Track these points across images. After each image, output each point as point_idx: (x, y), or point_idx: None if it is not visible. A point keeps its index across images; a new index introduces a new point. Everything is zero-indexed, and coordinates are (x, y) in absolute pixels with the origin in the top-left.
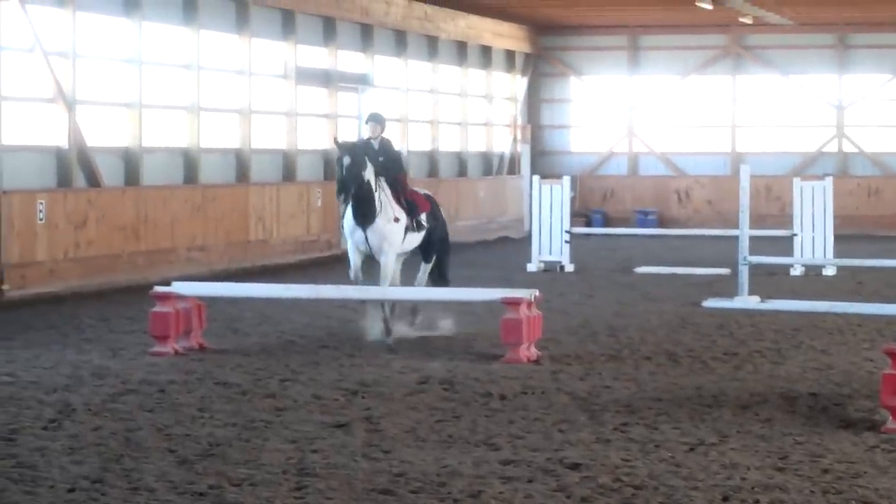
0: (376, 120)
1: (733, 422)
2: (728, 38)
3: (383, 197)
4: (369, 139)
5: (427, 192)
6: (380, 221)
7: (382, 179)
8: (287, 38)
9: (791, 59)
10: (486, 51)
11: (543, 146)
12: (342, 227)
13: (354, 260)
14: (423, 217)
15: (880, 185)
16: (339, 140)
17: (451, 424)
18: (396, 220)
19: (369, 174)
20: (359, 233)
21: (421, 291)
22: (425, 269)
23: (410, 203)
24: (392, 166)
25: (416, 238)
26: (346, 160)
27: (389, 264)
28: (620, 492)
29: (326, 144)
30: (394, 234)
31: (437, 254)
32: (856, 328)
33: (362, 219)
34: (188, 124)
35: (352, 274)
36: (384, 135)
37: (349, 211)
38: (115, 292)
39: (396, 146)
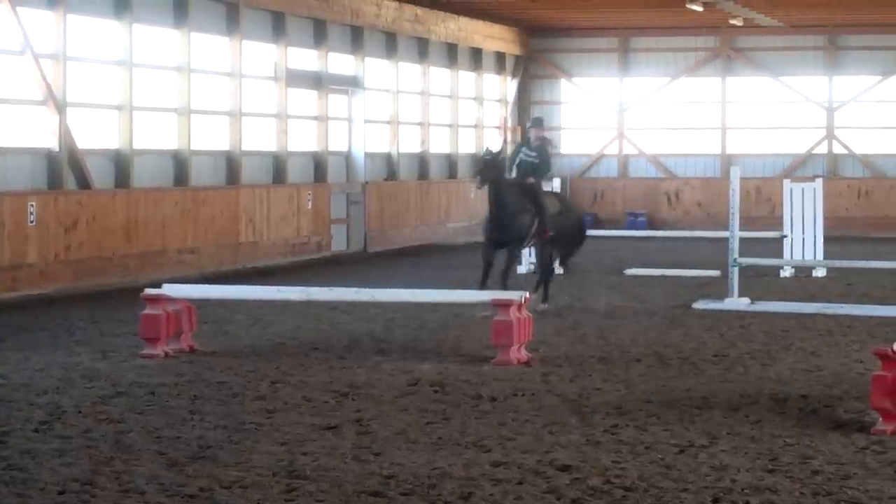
0: None
1: (723, 423)
2: (718, 39)
3: None
4: None
5: None
6: None
7: None
8: (277, 41)
9: (781, 60)
10: (476, 53)
11: None
12: None
13: None
14: None
15: (870, 186)
16: None
17: (442, 426)
18: None
19: None
20: None
21: (414, 293)
22: None
23: None
24: None
25: None
26: None
27: None
28: (610, 494)
29: (317, 146)
30: None
31: None
32: (846, 329)
33: None
34: (178, 126)
35: None
36: None
37: None
38: (106, 294)
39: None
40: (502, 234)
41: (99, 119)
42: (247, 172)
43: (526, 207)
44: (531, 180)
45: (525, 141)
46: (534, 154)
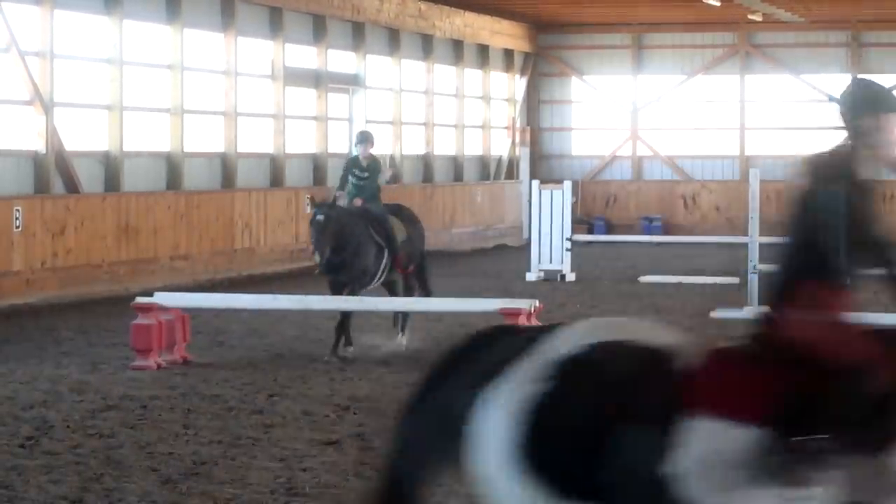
0: None
1: None
2: (736, 36)
3: None
4: None
5: None
6: None
7: None
8: (275, 37)
9: (802, 57)
10: (483, 50)
11: (543, 149)
12: None
13: None
14: None
15: None
16: None
17: None
18: None
19: None
20: None
21: (418, 302)
22: None
23: None
24: None
25: None
26: None
27: None
28: None
29: (316, 148)
30: None
31: None
32: None
33: None
34: (171, 127)
35: None
36: None
37: None
38: (95, 303)
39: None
40: (342, 277)
41: (88, 120)
42: (242, 175)
43: (372, 241)
44: (359, 203)
45: (354, 160)
46: (365, 175)
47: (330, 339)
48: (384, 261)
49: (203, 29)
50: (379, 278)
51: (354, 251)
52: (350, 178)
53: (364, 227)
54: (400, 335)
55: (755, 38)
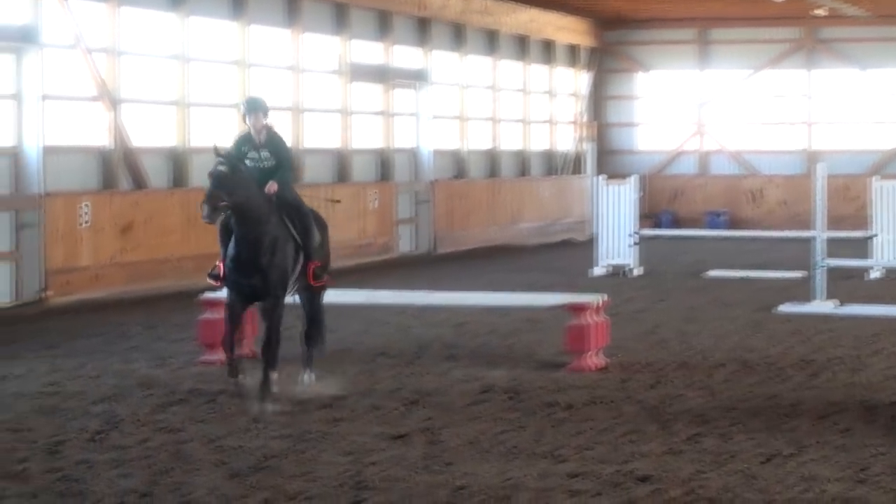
0: None
1: (811, 432)
2: (802, 30)
3: None
4: None
5: None
6: None
7: None
8: (340, 33)
9: (868, 52)
10: (548, 45)
11: (609, 144)
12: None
13: None
14: None
15: None
16: None
17: (515, 435)
18: None
19: None
20: None
21: (485, 297)
22: None
23: None
24: None
25: None
26: None
27: None
28: None
29: (382, 143)
30: None
31: None
32: None
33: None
34: (237, 123)
35: None
36: None
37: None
38: (163, 298)
39: None
40: (256, 281)
41: (154, 115)
42: (309, 170)
43: (287, 234)
44: (273, 188)
45: (247, 138)
46: (266, 155)
47: (394, 335)
48: (298, 265)
49: (269, 25)
50: (291, 289)
51: (270, 249)
52: (247, 161)
53: (279, 215)
54: (307, 372)
55: (821, 32)
